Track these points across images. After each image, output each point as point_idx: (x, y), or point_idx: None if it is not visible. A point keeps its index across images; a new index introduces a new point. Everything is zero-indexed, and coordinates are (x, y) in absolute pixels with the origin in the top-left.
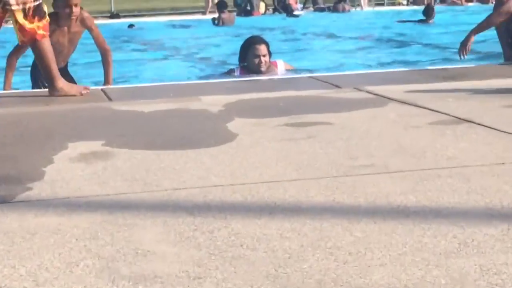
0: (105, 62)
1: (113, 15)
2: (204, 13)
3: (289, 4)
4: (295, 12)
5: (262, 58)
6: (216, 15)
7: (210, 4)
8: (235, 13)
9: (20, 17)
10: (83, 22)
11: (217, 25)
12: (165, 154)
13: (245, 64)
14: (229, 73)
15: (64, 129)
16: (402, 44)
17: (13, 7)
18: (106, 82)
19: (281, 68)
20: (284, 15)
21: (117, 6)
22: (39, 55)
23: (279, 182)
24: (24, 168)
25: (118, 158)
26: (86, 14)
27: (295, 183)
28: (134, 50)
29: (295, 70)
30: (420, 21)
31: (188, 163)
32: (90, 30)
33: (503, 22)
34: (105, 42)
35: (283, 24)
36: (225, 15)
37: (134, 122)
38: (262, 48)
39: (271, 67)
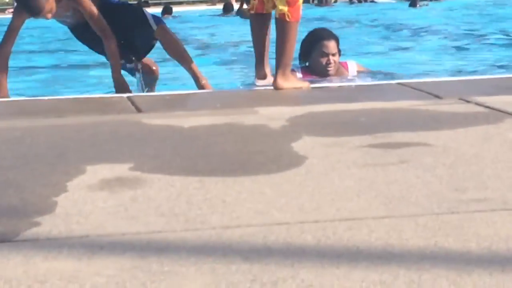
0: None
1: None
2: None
3: None
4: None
5: (331, 58)
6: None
7: None
8: None
9: None
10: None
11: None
12: (212, 182)
13: (307, 63)
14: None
15: (81, 148)
16: None
17: None
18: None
19: (352, 70)
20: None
21: None
22: (293, 39)
23: (362, 220)
24: (31, 198)
25: (151, 186)
26: None
27: (383, 221)
28: None
29: (372, 74)
30: None
31: (243, 193)
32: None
33: None
34: (103, 25)
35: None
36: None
37: (170, 140)
38: (332, 46)
39: (341, 69)
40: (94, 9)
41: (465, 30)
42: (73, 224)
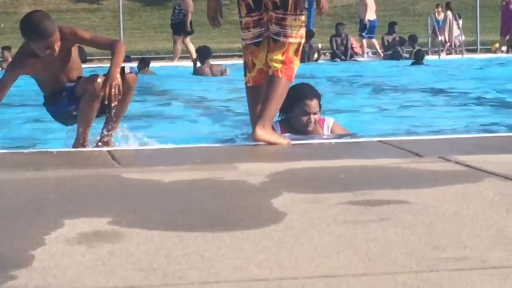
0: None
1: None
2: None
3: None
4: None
5: (312, 117)
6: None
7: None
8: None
9: (293, 51)
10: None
11: None
12: (191, 237)
13: (287, 116)
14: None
15: (59, 202)
16: (499, 102)
17: (290, 40)
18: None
19: (327, 129)
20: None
21: (129, 46)
22: (281, 95)
23: (341, 277)
24: (7, 251)
25: (130, 240)
26: (65, 30)
27: (362, 278)
28: (148, 101)
29: (350, 136)
30: None
31: (221, 249)
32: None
33: None
34: (107, 39)
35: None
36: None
37: (150, 195)
38: (314, 104)
39: (317, 126)
40: (92, 35)
41: (449, 87)
42: (50, 278)
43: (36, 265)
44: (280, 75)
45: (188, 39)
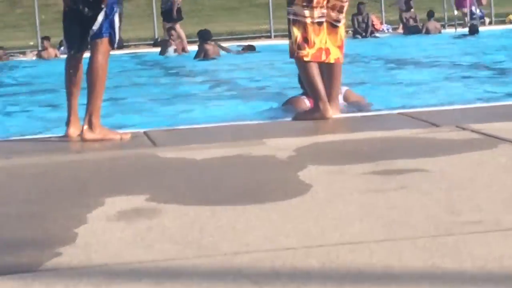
0: None
1: (157, 43)
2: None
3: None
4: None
5: None
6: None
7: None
8: None
9: (343, 32)
10: None
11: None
12: (223, 210)
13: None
14: (296, 103)
15: (100, 182)
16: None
17: (342, 24)
18: None
19: (341, 97)
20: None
21: (161, 32)
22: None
23: (364, 244)
24: (52, 230)
25: (166, 216)
26: None
27: (384, 244)
28: (181, 83)
29: (368, 104)
30: None
31: (252, 221)
32: None
33: None
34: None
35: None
36: None
37: (184, 172)
38: None
39: None
40: None
41: (464, 61)
42: (92, 254)
43: (79, 242)
44: (340, 61)
45: (178, 25)
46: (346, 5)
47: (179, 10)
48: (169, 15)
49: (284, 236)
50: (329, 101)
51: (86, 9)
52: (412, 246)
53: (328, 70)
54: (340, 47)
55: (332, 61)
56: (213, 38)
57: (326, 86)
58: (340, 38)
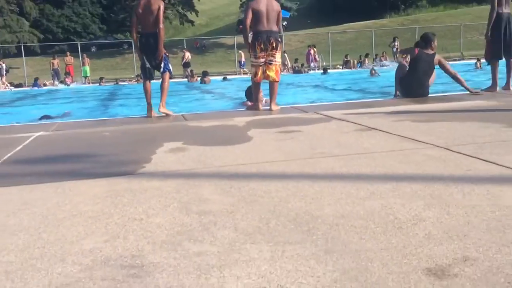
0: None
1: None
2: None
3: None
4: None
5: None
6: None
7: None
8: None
9: (277, 67)
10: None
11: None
12: (215, 148)
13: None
14: (245, 103)
15: (161, 136)
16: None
17: (277, 63)
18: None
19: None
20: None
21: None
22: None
23: (274, 162)
24: (141, 156)
25: (190, 150)
26: None
27: (283, 162)
28: (197, 95)
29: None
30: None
31: (226, 152)
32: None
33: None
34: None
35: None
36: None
37: (198, 132)
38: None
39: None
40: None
41: (327, 84)
42: (158, 167)
43: (153, 162)
44: (277, 80)
45: (189, 69)
46: (277, 53)
47: (187, 63)
48: (186, 64)
49: (240, 159)
50: (270, 101)
51: (153, 65)
52: (295, 163)
53: (270, 85)
54: (276, 73)
55: (271, 80)
56: (208, 74)
57: (270, 94)
58: (275, 68)
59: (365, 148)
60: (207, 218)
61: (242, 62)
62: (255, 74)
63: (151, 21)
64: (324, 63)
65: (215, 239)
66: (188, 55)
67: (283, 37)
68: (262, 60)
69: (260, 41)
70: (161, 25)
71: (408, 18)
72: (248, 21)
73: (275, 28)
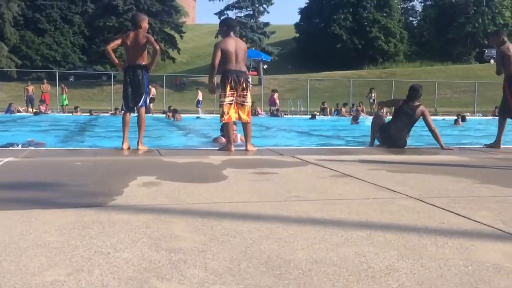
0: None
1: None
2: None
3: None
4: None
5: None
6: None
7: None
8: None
9: (249, 108)
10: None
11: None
12: (189, 185)
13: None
14: (219, 139)
15: (134, 169)
16: (322, 136)
17: (248, 104)
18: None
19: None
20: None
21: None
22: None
23: (249, 203)
24: (113, 188)
25: (163, 185)
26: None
27: (257, 204)
28: (171, 131)
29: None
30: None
31: (200, 190)
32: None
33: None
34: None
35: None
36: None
37: (173, 167)
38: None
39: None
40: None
41: (304, 128)
42: (130, 200)
43: (124, 194)
44: (249, 121)
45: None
46: (247, 94)
47: (152, 99)
48: (151, 100)
49: (214, 197)
50: (246, 142)
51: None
52: (270, 205)
53: (244, 127)
54: (248, 115)
55: (244, 121)
56: (179, 112)
57: (244, 135)
58: (247, 110)
59: (340, 194)
60: (177, 255)
61: (200, 101)
62: (224, 114)
63: (138, 53)
64: (302, 108)
65: (184, 278)
66: (153, 90)
67: (262, 80)
68: (231, 98)
69: (230, 79)
70: (157, 47)
71: (385, 71)
72: (217, 61)
73: (244, 68)
